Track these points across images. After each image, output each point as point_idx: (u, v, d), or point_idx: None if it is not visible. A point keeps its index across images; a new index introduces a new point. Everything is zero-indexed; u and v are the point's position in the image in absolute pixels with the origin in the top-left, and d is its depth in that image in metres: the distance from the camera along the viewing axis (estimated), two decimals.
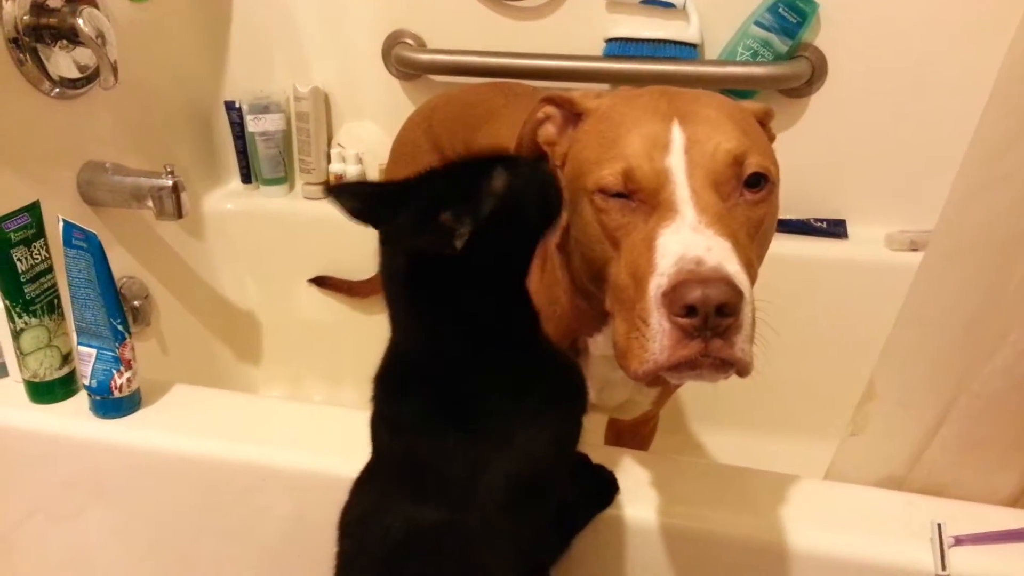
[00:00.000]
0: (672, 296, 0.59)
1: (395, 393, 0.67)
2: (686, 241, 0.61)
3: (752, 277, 0.65)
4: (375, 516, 0.66)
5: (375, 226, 0.63)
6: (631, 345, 0.63)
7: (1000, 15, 1.29)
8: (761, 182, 0.67)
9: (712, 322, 0.58)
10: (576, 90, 0.79)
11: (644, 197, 0.65)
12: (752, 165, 0.66)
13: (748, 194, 0.67)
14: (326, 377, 1.74)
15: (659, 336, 0.60)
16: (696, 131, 0.66)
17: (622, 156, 0.66)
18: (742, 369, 0.61)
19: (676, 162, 0.65)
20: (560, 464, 0.68)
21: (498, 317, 0.64)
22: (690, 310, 0.58)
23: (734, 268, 0.60)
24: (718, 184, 0.65)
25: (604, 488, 0.82)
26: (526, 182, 0.61)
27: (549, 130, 0.78)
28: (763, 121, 0.75)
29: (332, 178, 1.64)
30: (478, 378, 0.64)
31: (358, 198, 0.63)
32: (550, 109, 0.78)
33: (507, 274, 0.64)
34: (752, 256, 0.67)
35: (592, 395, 0.90)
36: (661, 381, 0.69)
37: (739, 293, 0.58)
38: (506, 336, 0.65)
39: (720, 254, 0.60)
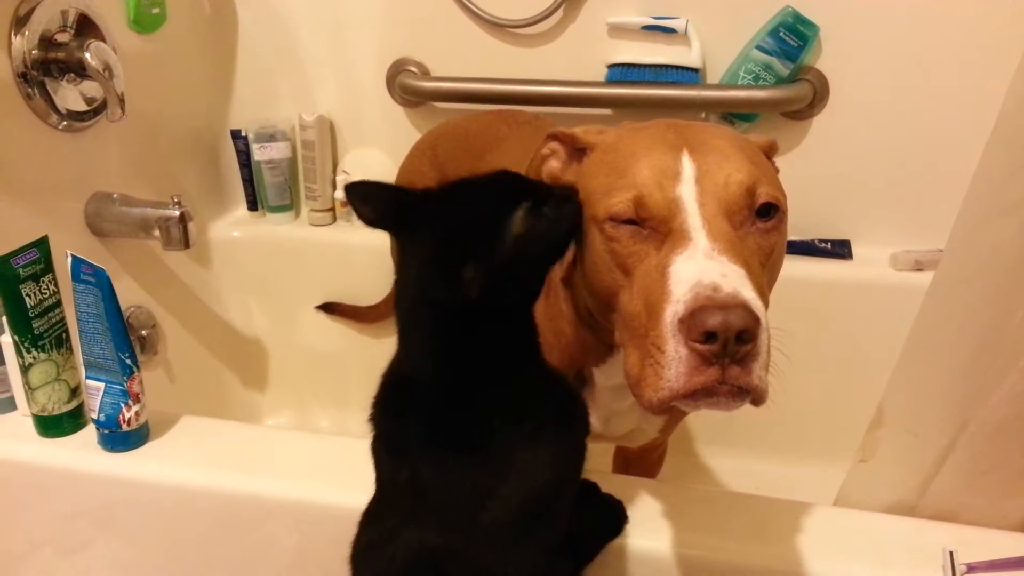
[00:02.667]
0: (690, 322, 0.58)
1: (395, 416, 0.67)
2: (701, 268, 0.60)
3: (764, 304, 0.65)
4: (380, 545, 0.66)
5: (388, 231, 0.66)
6: (645, 373, 0.62)
7: (1005, 35, 1.30)
8: (772, 211, 0.67)
9: (731, 348, 0.57)
10: (580, 124, 0.79)
11: (655, 225, 0.65)
12: (763, 195, 0.66)
13: (759, 223, 0.67)
14: (333, 403, 1.74)
15: (675, 363, 0.59)
16: (706, 161, 0.67)
17: (632, 185, 0.66)
18: (758, 397, 0.60)
19: (687, 191, 0.65)
20: (563, 488, 0.68)
21: (503, 341, 0.65)
22: (709, 336, 0.57)
23: (750, 294, 0.59)
24: (730, 213, 0.65)
25: (613, 517, 0.81)
26: (549, 225, 0.63)
27: (553, 165, 0.79)
28: (768, 154, 0.76)
29: (338, 205, 1.65)
30: (479, 402, 0.64)
31: (373, 204, 0.65)
32: (554, 145, 0.79)
33: (516, 304, 0.65)
34: (763, 284, 0.67)
35: (598, 425, 0.90)
36: (673, 410, 0.68)
37: (757, 319, 0.58)
38: (509, 359, 0.65)
39: (736, 280, 0.60)
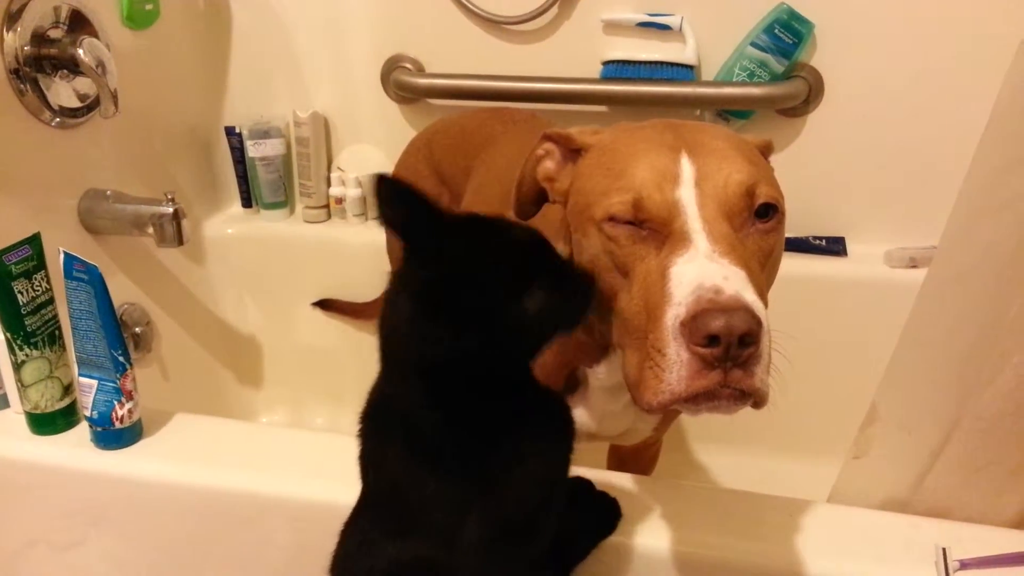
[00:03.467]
0: (692, 326, 0.57)
1: (379, 432, 0.67)
2: (702, 270, 0.60)
3: (764, 306, 0.65)
4: (359, 556, 0.66)
5: (400, 239, 0.62)
6: (644, 376, 0.62)
7: (998, 34, 1.30)
8: (770, 212, 0.67)
9: (734, 352, 0.57)
10: (575, 121, 0.79)
11: (655, 227, 0.65)
12: (762, 195, 0.66)
13: (759, 224, 0.66)
14: (327, 400, 1.73)
15: (676, 366, 0.59)
16: (706, 163, 0.66)
17: (631, 187, 0.66)
18: (760, 400, 0.60)
19: (687, 193, 0.65)
20: (545, 505, 0.67)
21: (494, 381, 0.63)
22: (711, 339, 0.57)
23: (752, 297, 0.59)
24: (730, 215, 0.65)
25: (607, 515, 0.81)
26: (561, 308, 0.61)
27: (548, 166, 0.78)
28: (764, 154, 0.75)
29: (332, 202, 1.65)
30: (462, 426, 0.63)
31: (401, 210, 0.61)
32: (549, 146, 0.78)
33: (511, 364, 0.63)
34: (763, 285, 0.66)
35: (592, 425, 0.90)
36: (672, 412, 0.68)
37: (759, 322, 0.58)
38: (498, 391, 0.63)
39: (737, 283, 0.59)
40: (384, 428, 0.66)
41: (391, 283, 0.62)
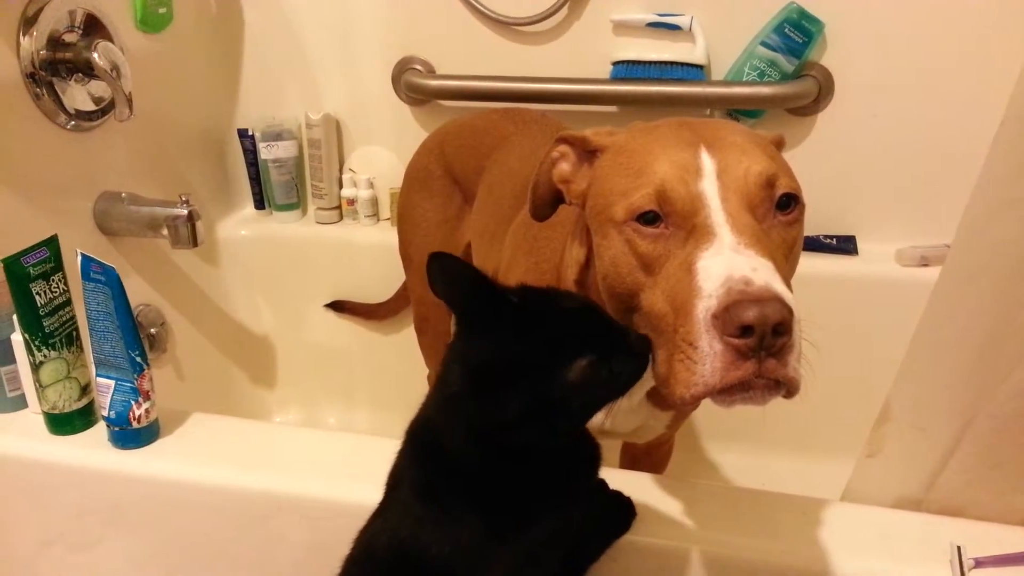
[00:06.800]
0: (725, 317, 0.57)
1: (417, 457, 0.68)
2: (730, 262, 0.60)
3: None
4: (375, 547, 0.68)
5: (455, 313, 0.64)
6: (675, 369, 0.61)
7: (1011, 31, 1.29)
8: (792, 203, 0.67)
9: (768, 341, 0.57)
10: (586, 121, 0.79)
11: (678, 222, 0.65)
12: (783, 186, 0.66)
13: (780, 216, 0.67)
14: (340, 400, 1.75)
15: (710, 359, 0.59)
16: (725, 156, 0.66)
17: (652, 182, 0.66)
18: (793, 388, 0.60)
19: (709, 186, 0.65)
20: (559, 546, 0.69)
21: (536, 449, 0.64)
22: (745, 330, 0.57)
23: (781, 287, 0.59)
24: (752, 206, 0.65)
25: (621, 513, 0.82)
26: (608, 380, 0.62)
27: (564, 168, 0.78)
28: (777, 148, 0.76)
29: (344, 203, 1.66)
30: (492, 474, 0.64)
31: (453, 286, 0.62)
32: (564, 148, 0.78)
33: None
34: (788, 277, 0.67)
35: (605, 422, 0.90)
36: (687, 408, 0.68)
37: (791, 311, 0.58)
38: (537, 453, 0.64)
39: (766, 274, 0.59)
40: (414, 452, 0.68)
41: (447, 354, 0.63)
